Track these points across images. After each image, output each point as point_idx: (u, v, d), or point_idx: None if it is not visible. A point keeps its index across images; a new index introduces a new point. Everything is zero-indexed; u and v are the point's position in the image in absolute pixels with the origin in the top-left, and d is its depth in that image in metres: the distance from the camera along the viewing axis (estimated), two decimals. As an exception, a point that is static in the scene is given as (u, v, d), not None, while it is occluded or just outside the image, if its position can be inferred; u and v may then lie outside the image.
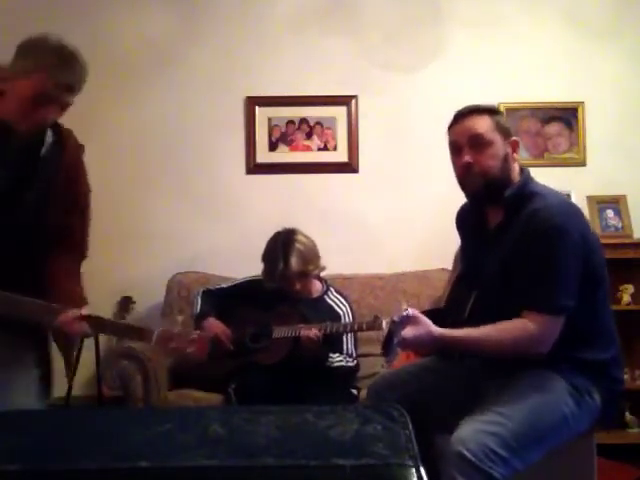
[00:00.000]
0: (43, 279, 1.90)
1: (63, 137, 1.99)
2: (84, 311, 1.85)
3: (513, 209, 1.89)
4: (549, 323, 1.78)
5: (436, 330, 1.80)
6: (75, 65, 1.83)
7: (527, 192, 1.90)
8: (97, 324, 1.89)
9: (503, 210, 1.93)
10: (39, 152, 1.92)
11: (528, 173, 1.98)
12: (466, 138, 1.90)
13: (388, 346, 1.78)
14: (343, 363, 2.84)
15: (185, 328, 1.97)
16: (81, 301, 1.92)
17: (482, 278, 1.95)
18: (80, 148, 2.04)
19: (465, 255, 2.16)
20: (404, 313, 1.77)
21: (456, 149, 1.93)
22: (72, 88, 1.83)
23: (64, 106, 1.86)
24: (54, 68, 1.79)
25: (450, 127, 1.96)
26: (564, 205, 1.89)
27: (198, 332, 1.93)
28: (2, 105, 1.83)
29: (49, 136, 1.94)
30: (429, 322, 1.80)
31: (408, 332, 1.76)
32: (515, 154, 1.94)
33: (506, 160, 1.90)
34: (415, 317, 1.78)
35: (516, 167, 1.94)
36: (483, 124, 1.89)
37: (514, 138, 1.95)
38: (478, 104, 1.95)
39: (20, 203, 1.90)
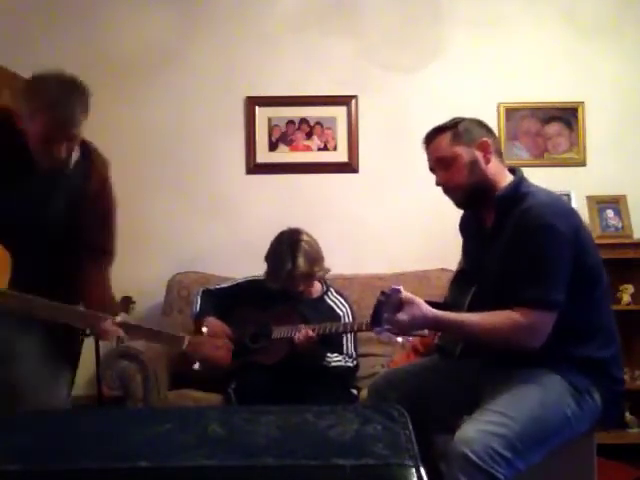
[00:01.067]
0: (75, 288, 2.05)
1: (90, 153, 2.09)
2: (119, 319, 2.00)
3: (504, 210, 1.93)
4: (539, 318, 1.80)
5: (430, 311, 1.82)
6: (70, 99, 1.88)
7: (519, 193, 1.93)
8: (131, 331, 2.04)
9: (494, 211, 1.96)
10: (63, 170, 2.01)
11: (521, 174, 2.01)
12: (433, 162, 2.02)
13: (376, 317, 1.80)
14: (342, 363, 2.83)
15: (211, 336, 2.14)
16: (114, 307, 2.07)
17: (480, 275, 1.97)
18: (106, 164, 2.15)
19: (465, 254, 2.19)
20: (394, 286, 1.80)
21: (432, 171, 2.05)
22: (73, 121, 1.89)
23: (72, 138, 1.93)
24: (51, 108, 1.85)
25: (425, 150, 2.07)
26: (555, 203, 1.91)
27: (225, 340, 2.10)
28: (29, 142, 1.93)
29: (75, 154, 2.02)
30: (424, 304, 1.82)
31: (402, 315, 1.78)
32: (488, 155, 1.97)
33: (476, 165, 1.96)
34: (410, 299, 1.80)
35: (494, 167, 1.97)
36: (443, 144, 1.98)
37: (483, 139, 1.97)
38: (440, 124, 2.02)
39: (50, 220, 2.03)
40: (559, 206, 1.92)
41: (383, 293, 1.81)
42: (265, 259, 2.91)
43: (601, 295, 1.93)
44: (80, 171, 2.04)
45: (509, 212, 1.91)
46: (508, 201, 1.93)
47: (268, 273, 2.90)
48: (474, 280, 1.99)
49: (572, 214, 1.93)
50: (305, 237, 2.90)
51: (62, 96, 1.86)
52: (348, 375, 2.89)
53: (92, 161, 2.08)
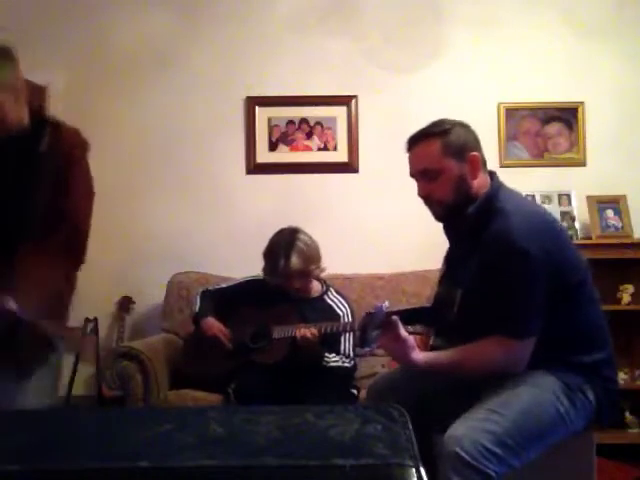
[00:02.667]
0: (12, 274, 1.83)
1: (58, 131, 1.98)
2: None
3: (476, 225, 1.88)
4: (517, 347, 1.81)
5: (415, 357, 1.86)
6: None
7: (492, 208, 1.85)
8: None
9: (468, 224, 1.91)
10: (37, 150, 1.93)
11: (496, 183, 1.93)
12: (417, 170, 1.92)
13: (363, 338, 1.84)
14: (339, 363, 2.83)
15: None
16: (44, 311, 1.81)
17: (464, 278, 1.94)
18: (79, 148, 2.02)
19: (450, 254, 2.17)
20: (377, 304, 1.82)
21: (413, 178, 1.95)
22: None
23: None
24: None
25: (408, 152, 1.96)
26: (527, 224, 1.81)
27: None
28: None
29: (47, 134, 1.94)
30: (413, 347, 1.86)
31: (389, 343, 1.85)
32: (476, 171, 1.88)
33: (463, 181, 1.88)
34: (404, 340, 1.84)
35: (480, 181, 1.89)
36: (432, 153, 1.87)
37: (472, 153, 1.88)
38: (427, 128, 1.92)
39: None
40: (532, 225, 1.81)
41: (368, 314, 1.84)
42: (263, 255, 2.91)
43: (588, 300, 1.90)
44: (51, 150, 1.94)
45: (482, 227, 1.85)
46: (479, 217, 1.87)
47: (265, 269, 2.91)
48: (459, 283, 1.97)
49: (546, 231, 1.84)
50: (302, 236, 2.90)
51: None
52: (345, 375, 2.89)
53: (58, 139, 1.96)
